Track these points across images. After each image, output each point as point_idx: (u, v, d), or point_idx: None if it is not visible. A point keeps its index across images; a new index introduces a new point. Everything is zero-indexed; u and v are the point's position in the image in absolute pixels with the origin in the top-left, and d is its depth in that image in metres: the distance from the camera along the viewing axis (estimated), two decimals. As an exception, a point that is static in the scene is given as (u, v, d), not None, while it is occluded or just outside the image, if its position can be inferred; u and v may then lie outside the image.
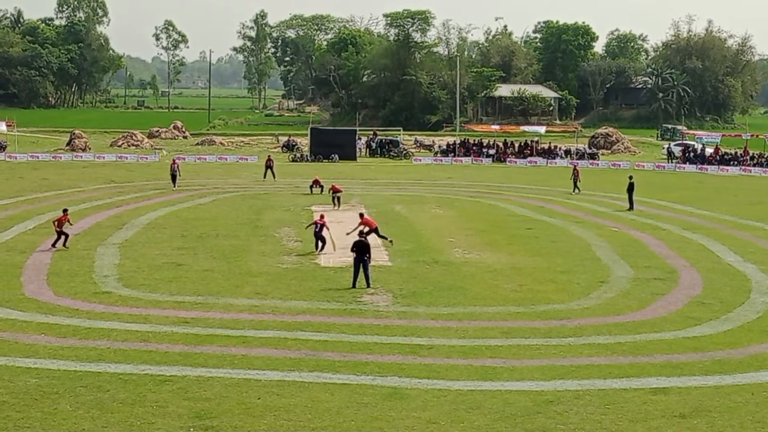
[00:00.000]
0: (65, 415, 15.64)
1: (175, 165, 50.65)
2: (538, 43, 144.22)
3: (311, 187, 47.80)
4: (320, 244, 30.91)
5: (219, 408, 16.09)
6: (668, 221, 40.04)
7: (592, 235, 35.85)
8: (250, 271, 28.08)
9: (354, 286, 25.55)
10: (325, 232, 30.78)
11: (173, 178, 49.82)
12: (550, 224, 38.93)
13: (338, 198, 42.47)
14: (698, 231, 37.25)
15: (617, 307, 24.20)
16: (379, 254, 30.31)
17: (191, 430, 15.14)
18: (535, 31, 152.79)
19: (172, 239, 33.59)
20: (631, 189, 43.97)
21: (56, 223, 31.65)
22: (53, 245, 31.05)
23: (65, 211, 32.74)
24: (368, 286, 25.54)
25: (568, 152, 75.57)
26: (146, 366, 18.32)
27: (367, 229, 29.88)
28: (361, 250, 25.61)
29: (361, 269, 25.64)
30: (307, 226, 31.64)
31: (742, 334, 21.73)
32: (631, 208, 43.49)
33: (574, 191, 50.35)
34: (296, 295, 24.86)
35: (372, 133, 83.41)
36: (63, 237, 31.31)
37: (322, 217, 31.66)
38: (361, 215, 32.13)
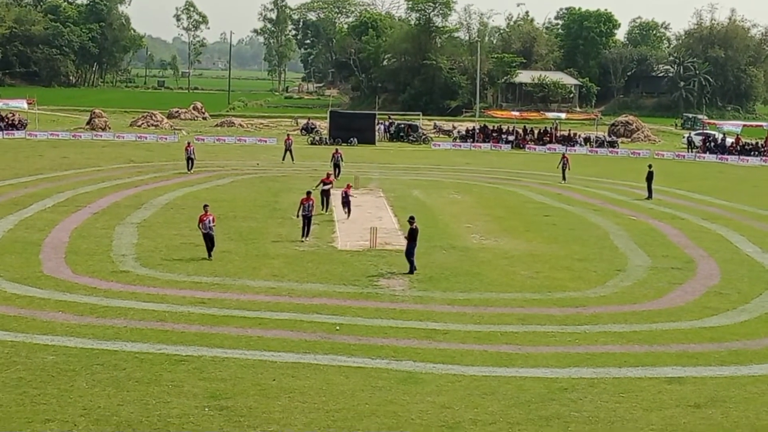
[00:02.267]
0: (81, 393, 15.77)
1: (191, 148, 48.98)
2: (560, 30, 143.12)
3: (336, 164, 46.70)
4: (347, 210, 34.56)
5: (234, 389, 16.19)
6: (687, 211, 39.85)
7: (610, 224, 35.73)
8: (267, 253, 28.15)
9: (413, 271, 25.65)
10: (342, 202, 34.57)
11: (189, 161, 48.36)
12: (568, 212, 38.82)
13: (327, 194, 35.87)
14: (717, 221, 37.06)
15: (634, 296, 24.15)
16: (396, 238, 30.38)
17: (206, 409, 15.24)
18: (556, 18, 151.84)
19: (190, 220, 33.57)
20: (650, 178, 43.77)
21: (200, 223, 26.90)
22: (209, 255, 26.82)
23: (206, 207, 27.35)
24: (412, 271, 25.74)
25: (587, 140, 75.16)
26: (162, 345, 18.44)
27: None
28: (413, 236, 25.88)
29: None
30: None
31: (759, 325, 21.66)
32: (649, 196, 43.30)
33: (563, 180, 48.91)
34: (312, 277, 24.93)
35: (387, 118, 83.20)
36: (208, 241, 26.85)
37: (349, 186, 36.03)
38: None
